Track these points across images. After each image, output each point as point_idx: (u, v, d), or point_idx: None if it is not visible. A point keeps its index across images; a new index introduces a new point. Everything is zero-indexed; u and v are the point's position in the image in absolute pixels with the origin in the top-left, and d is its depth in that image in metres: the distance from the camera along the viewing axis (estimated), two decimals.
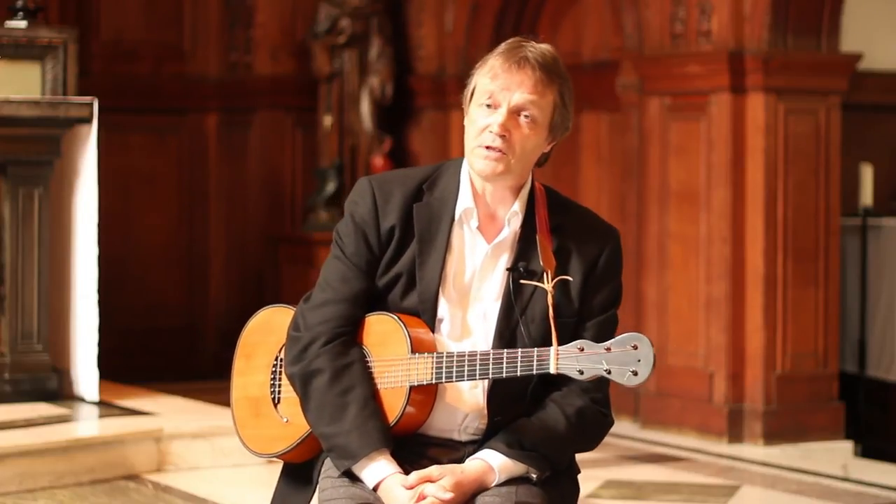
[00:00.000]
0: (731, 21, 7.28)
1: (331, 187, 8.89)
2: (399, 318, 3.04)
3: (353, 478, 3.03)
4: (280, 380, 3.17)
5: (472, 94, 3.08)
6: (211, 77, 9.48)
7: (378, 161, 8.96)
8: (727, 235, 7.26)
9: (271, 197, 9.30)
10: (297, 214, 9.28)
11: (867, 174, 7.84)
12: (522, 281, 3.04)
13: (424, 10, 9.11)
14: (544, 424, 3.04)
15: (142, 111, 9.22)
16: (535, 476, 3.03)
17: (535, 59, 3.02)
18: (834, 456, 7.13)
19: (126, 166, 9.10)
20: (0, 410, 6.43)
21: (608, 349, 2.86)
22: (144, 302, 9.20)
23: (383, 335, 3.05)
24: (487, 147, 3.01)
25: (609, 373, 2.85)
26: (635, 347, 2.85)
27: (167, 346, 9.20)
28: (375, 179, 3.14)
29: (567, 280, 3.03)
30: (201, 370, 8.95)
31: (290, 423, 3.13)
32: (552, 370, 2.89)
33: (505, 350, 2.95)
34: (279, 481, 3.23)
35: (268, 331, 3.21)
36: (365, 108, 9.10)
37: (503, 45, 3.07)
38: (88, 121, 6.71)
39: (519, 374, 2.92)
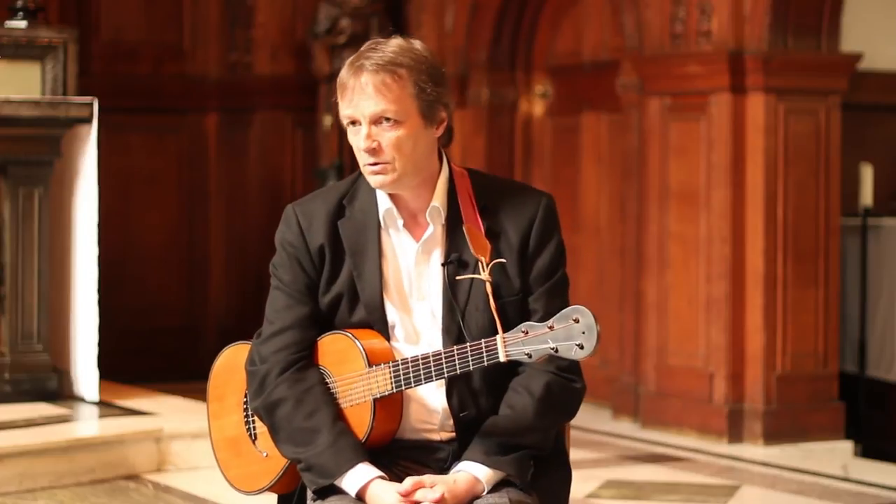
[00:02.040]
0: (731, 21, 7.28)
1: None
2: (351, 333, 3.05)
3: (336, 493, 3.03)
4: (253, 416, 3.18)
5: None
6: (211, 77, 9.49)
7: None
8: (727, 235, 7.26)
9: (271, 197, 9.30)
10: None
11: (867, 174, 7.83)
12: (458, 277, 3.03)
13: (424, 10, 9.10)
14: (515, 415, 3.02)
15: (142, 111, 9.22)
16: (518, 482, 3.02)
17: (371, 64, 2.99)
18: (834, 456, 7.13)
19: (126, 166, 9.10)
20: (0, 410, 6.43)
21: (551, 327, 2.85)
22: (144, 302, 9.20)
23: (339, 354, 3.06)
24: (369, 164, 3.01)
25: (556, 350, 2.84)
26: (577, 321, 2.83)
27: (167, 346, 9.20)
28: (297, 205, 3.16)
29: (503, 262, 3.02)
30: (201, 370, 8.84)
31: (270, 456, 3.15)
32: (502, 358, 2.89)
33: (455, 347, 2.95)
34: None
35: (233, 369, 3.24)
36: None
37: (350, 59, 3.06)
38: (88, 121, 6.71)
39: (472, 367, 2.92)
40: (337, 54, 9.13)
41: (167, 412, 6.70)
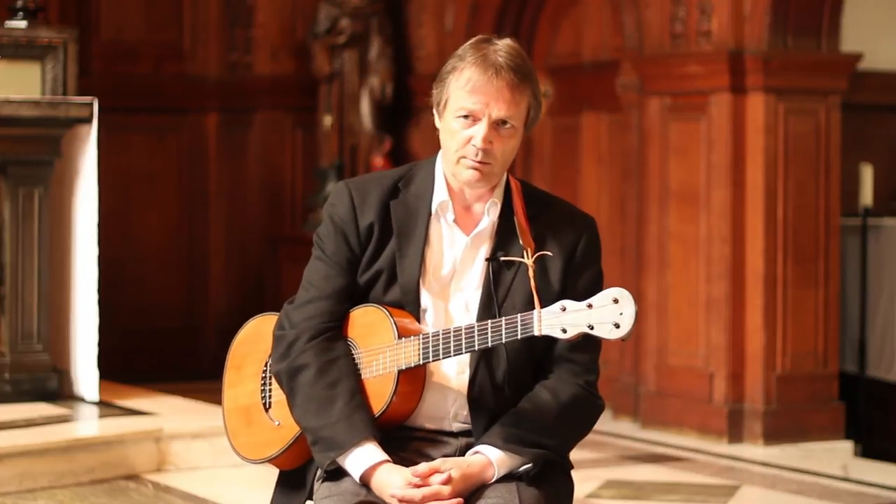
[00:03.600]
0: (731, 21, 7.28)
1: (331, 187, 8.89)
2: (384, 307, 3.07)
3: (343, 478, 3.04)
4: (270, 384, 3.19)
5: (445, 102, 3.07)
6: (211, 77, 9.49)
7: (378, 161, 8.96)
8: (727, 235, 7.26)
9: (271, 197, 9.30)
10: (297, 214, 9.28)
11: (867, 174, 7.83)
12: (504, 258, 3.07)
13: (424, 10, 9.11)
14: (540, 413, 3.05)
15: (142, 111, 9.22)
16: (523, 469, 3.02)
17: (507, 65, 3.02)
18: (834, 456, 7.13)
19: (126, 166, 9.10)
20: (0, 410, 6.43)
21: (590, 305, 2.88)
22: (144, 302, 9.20)
23: (369, 326, 3.08)
24: (473, 160, 3.04)
25: (592, 328, 2.87)
26: (616, 301, 2.86)
27: (167, 346, 9.20)
28: (352, 182, 3.18)
29: (547, 256, 3.05)
30: (201, 370, 8.95)
31: (282, 425, 3.15)
32: (536, 332, 2.91)
33: (490, 320, 2.97)
34: (274, 491, 3.24)
35: (256, 340, 3.24)
36: (365, 108, 9.10)
37: (472, 52, 3.05)
38: (88, 121, 6.71)
39: (504, 340, 2.94)
40: (337, 54, 9.13)
41: (167, 412, 6.70)
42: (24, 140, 6.66)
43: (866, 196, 7.82)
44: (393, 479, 2.97)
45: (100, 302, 6.78)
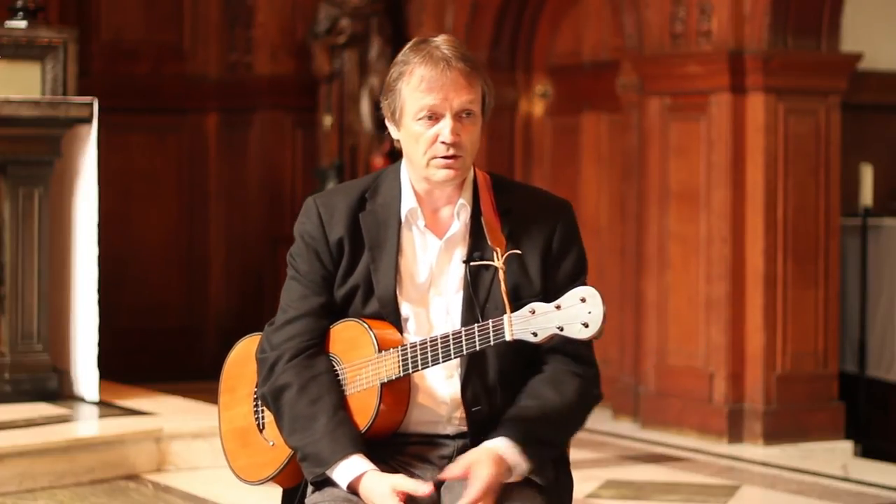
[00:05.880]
0: (731, 21, 7.28)
1: (331, 187, 8.88)
2: (363, 321, 3.07)
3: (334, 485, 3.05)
4: (262, 405, 3.19)
5: (401, 109, 3.07)
6: (211, 77, 9.49)
7: (378, 161, 8.95)
8: (727, 235, 7.26)
9: (271, 197, 9.30)
10: (297, 214, 9.25)
11: (867, 174, 7.83)
12: (473, 263, 3.06)
13: (424, 10, 9.11)
14: (546, 410, 3.03)
15: (142, 111, 9.22)
16: (539, 480, 3.02)
17: (455, 56, 3.03)
18: (834, 456, 7.13)
19: (126, 166, 9.11)
20: (0, 410, 6.43)
21: (558, 307, 2.88)
22: (144, 302, 9.20)
23: (350, 340, 3.08)
24: (444, 157, 3.03)
25: (561, 329, 2.87)
26: (584, 301, 2.86)
27: (167, 346, 9.20)
28: (319, 197, 3.20)
29: (518, 254, 3.04)
30: (201, 370, 8.94)
31: (276, 445, 3.16)
32: (507, 337, 2.91)
33: (463, 328, 2.97)
34: (282, 496, 3.26)
35: (246, 361, 3.24)
36: (365, 108, 9.10)
37: (414, 54, 3.06)
38: (88, 121, 6.71)
39: (478, 347, 2.94)
40: (337, 54, 9.13)
41: (167, 412, 6.70)
42: (24, 140, 6.66)
43: (866, 196, 7.82)
44: (379, 486, 2.96)
45: (100, 302, 6.78)
